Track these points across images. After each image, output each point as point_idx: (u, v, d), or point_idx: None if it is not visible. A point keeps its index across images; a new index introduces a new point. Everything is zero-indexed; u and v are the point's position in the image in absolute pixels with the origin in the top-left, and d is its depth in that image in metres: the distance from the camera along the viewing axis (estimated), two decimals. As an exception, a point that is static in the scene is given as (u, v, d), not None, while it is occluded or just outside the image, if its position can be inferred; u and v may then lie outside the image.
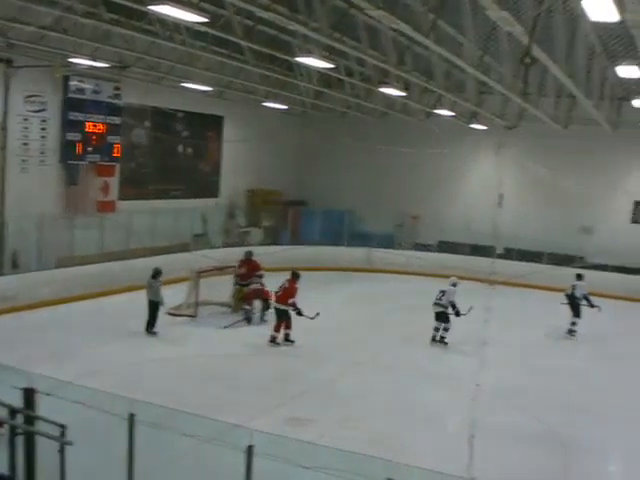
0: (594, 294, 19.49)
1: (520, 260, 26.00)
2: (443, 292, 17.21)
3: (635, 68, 13.83)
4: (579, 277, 19.48)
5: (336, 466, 6.09)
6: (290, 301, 16.27)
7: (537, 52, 13.35)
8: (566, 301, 18.90)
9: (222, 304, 18.90)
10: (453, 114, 24.78)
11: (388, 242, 28.21)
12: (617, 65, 14.45)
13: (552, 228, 26.62)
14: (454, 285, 17.33)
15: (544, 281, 24.30)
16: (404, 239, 29.04)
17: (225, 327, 17.24)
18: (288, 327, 16.34)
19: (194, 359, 14.58)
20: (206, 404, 11.08)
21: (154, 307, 16.56)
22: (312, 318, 16.12)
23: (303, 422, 11.15)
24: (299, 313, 16.28)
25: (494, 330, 16.38)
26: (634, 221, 27.31)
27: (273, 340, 16.20)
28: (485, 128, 26.81)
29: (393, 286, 24.72)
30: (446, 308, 17.06)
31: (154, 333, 16.43)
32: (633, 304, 23.41)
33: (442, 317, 17.15)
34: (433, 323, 17.20)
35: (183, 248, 23.08)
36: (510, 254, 26.47)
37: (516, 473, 9.73)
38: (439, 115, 25.31)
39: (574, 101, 21.61)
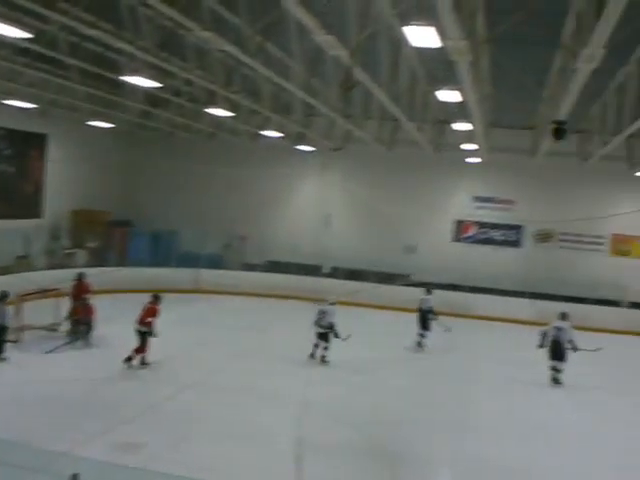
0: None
1: (347, 279, 26.46)
2: (323, 313, 17.32)
3: (455, 93, 14.40)
4: (428, 292, 20.44)
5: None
6: (147, 320, 15.82)
7: (361, 75, 13.67)
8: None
9: (46, 328, 18.07)
10: (281, 135, 24.96)
11: (216, 263, 28.00)
12: (438, 89, 14.98)
13: (377, 247, 27.40)
14: (333, 304, 17.62)
15: (370, 299, 24.95)
16: (232, 259, 28.93)
17: (48, 352, 16.46)
18: (142, 351, 15.83)
19: (17, 385, 13.78)
20: (31, 431, 10.50)
21: (2, 331, 15.69)
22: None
23: (132, 447, 10.76)
24: (152, 334, 15.85)
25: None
26: (455, 239, 28.53)
27: (129, 360, 15.61)
28: (312, 149, 27.19)
29: (222, 306, 24.56)
30: (328, 329, 17.21)
31: (3, 359, 15.52)
32: (457, 320, 24.30)
33: (324, 337, 17.33)
34: (314, 341, 17.35)
35: (5, 271, 21.94)
36: (337, 273, 26.95)
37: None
38: (267, 136, 25.44)
39: (398, 124, 22.23)
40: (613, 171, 25.56)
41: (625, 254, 27.98)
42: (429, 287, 21.02)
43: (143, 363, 15.92)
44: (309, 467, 8.56)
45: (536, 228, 28.09)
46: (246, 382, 15.22)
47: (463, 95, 14.35)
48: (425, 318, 20.00)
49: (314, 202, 28.28)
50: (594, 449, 12.67)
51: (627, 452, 12.57)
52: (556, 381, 17.00)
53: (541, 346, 17.25)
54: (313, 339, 17.42)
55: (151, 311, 16.05)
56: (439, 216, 27.99)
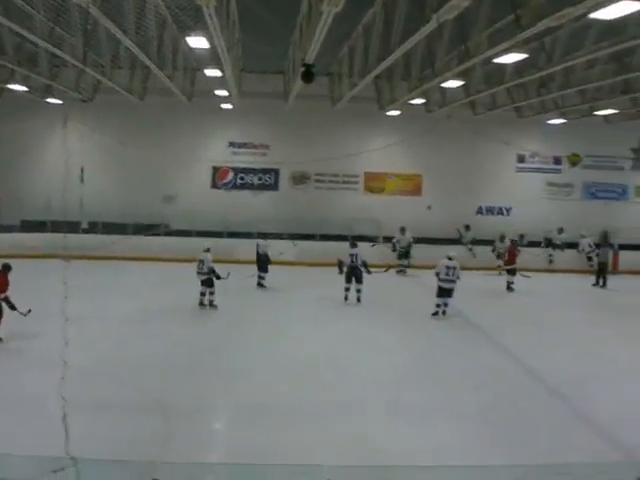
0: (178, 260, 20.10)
1: (106, 233, 25.88)
2: (202, 261, 18.33)
3: (203, 39, 14.34)
4: (265, 237, 22.58)
5: None
6: (2, 296, 14.54)
7: (107, 23, 13.25)
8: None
9: None
10: (27, 88, 23.68)
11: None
12: (187, 36, 14.85)
13: (136, 198, 26.92)
14: (208, 251, 18.62)
15: (131, 251, 24.65)
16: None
17: None
18: None
19: None
20: None
21: None
22: (24, 314, 14.57)
23: None
24: (12, 307, 14.60)
25: (89, 305, 16.33)
26: (214, 186, 28.64)
27: None
28: (61, 102, 26.05)
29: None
30: (209, 274, 18.29)
31: None
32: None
33: (208, 283, 18.42)
34: (199, 289, 18.46)
35: None
36: (95, 228, 26.29)
37: (118, 443, 9.59)
38: (12, 90, 24.04)
39: (149, 72, 21.81)
40: (364, 112, 26.65)
41: (378, 191, 29.44)
42: (266, 235, 22.95)
43: None
44: (78, 428, 8.38)
45: (292, 170, 28.81)
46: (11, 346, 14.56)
47: (212, 41, 14.32)
48: (262, 261, 21.94)
49: (67, 156, 27.28)
50: (364, 382, 13.30)
51: (397, 383, 13.31)
52: (358, 300, 19.79)
53: (340, 273, 19.98)
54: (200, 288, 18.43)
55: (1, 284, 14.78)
56: (197, 164, 27.87)
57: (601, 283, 24.86)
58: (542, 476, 5.86)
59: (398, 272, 25.68)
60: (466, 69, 17.97)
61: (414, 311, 19.27)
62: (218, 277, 18.49)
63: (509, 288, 23.14)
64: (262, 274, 21.99)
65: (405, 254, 25.92)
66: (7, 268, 15.36)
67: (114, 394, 11.82)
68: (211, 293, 18.59)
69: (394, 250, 25.84)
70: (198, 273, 18.54)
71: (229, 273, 18.64)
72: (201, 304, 18.66)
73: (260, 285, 21.93)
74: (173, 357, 14.12)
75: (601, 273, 25.03)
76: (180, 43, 19.87)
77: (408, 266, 25.87)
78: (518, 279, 23.22)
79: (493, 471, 5.85)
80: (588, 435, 11.04)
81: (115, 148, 26.67)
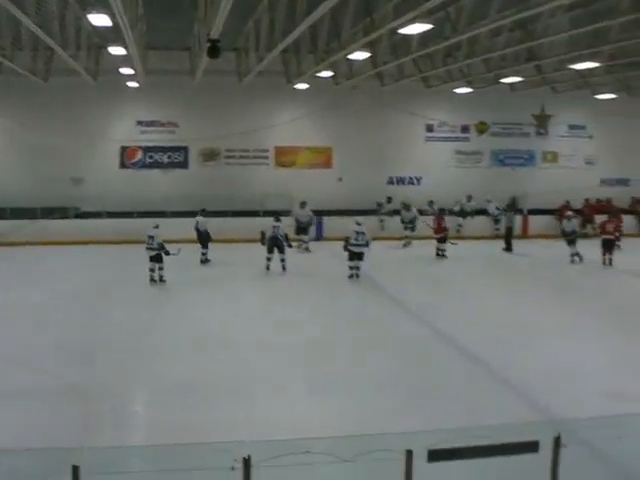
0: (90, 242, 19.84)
1: (14, 218, 25.19)
2: (151, 237, 19.01)
3: (105, 17, 14.04)
4: (203, 212, 22.92)
5: None
6: None
7: (6, 4, 12.85)
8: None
9: None
10: None
11: None
12: (89, 14, 14.52)
13: (43, 182, 26.25)
14: (157, 227, 19.29)
15: (41, 236, 24.15)
16: None
17: None
18: None
19: None
20: None
21: None
22: None
23: None
24: None
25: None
26: (122, 166, 28.15)
27: None
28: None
29: None
30: (159, 250, 18.97)
31: None
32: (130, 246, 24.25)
33: (157, 258, 19.09)
34: (148, 265, 19.11)
35: None
36: (3, 213, 25.63)
37: (36, 431, 9.44)
38: None
39: (52, 52, 21.26)
40: (272, 86, 26.52)
41: (289, 165, 29.44)
42: (205, 211, 23.16)
43: None
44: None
45: (201, 147, 28.54)
46: None
47: (114, 18, 14.02)
48: (203, 237, 22.53)
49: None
50: (282, 356, 13.38)
51: (315, 355, 13.42)
52: (283, 268, 20.84)
53: (263, 244, 21.02)
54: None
55: None
56: (104, 144, 27.33)
57: (507, 250, 25.51)
58: (459, 440, 6.00)
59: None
60: (372, 41, 18.04)
61: (331, 280, 19.55)
62: (167, 253, 19.05)
63: (442, 255, 23.91)
64: (204, 250, 22.41)
65: (304, 229, 25.94)
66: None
67: (31, 381, 11.62)
68: (160, 268, 19.19)
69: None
70: (147, 249, 19.11)
71: (179, 249, 19.39)
72: (152, 280, 19.16)
73: (204, 262, 22.39)
74: (89, 341, 13.94)
75: (508, 238, 25.63)
76: (83, 22, 19.38)
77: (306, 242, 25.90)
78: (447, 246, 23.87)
79: (411, 437, 5.97)
80: (504, 397, 11.36)
81: (20, 131, 25.98)
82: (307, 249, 25.43)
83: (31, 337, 14.16)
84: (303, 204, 25.90)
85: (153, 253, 19.14)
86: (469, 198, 29.09)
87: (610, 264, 22.50)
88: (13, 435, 8.72)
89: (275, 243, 20.83)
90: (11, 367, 12.11)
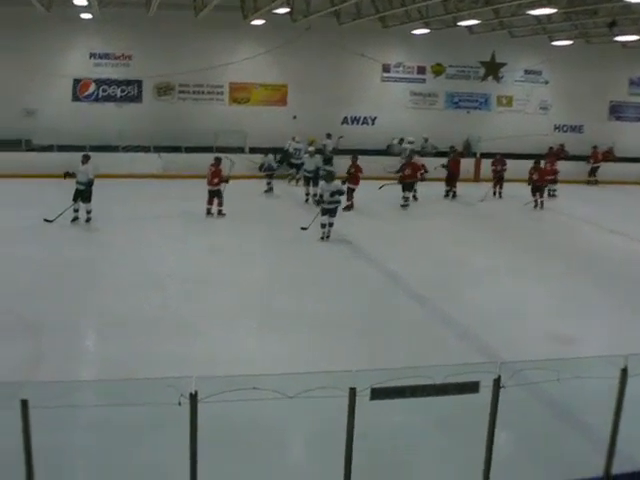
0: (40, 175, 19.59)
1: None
2: (80, 172, 18.22)
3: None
4: None
5: None
6: None
7: None
8: None
9: None
10: None
11: None
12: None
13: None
14: (86, 160, 18.47)
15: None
16: None
17: None
18: None
19: None
20: None
21: None
22: None
23: None
24: None
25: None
26: (75, 99, 27.66)
27: None
28: None
29: None
30: (88, 186, 18.23)
31: None
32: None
33: (80, 195, 18.25)
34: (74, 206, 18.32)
35: None
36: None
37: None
38: None
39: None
40: (228, 21, 26.15)
41: (243, 102, 29.21)
42: None
43: None
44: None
45: (155, 82, 28.14)
46: None
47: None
48: None
49: None
50: (232, 292, 13.50)
51: (264, 293, 13.58)
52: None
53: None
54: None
55: None
56: (57, 76, 26.75)
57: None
58: (402, 379, 6.17)
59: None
60: (330, -22, 17.88)
61: (281, 221, 19.62)
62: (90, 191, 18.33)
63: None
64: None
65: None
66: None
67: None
68: (88, 212, 18.51)
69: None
70: (78, 183, 18.32)
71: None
72: (75, 220, 18.48)
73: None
74: (36, 276, 13.87)
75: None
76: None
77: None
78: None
79: (354, 375, 6.12)
80: (449, 337, 11.65)
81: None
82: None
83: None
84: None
85: (81, 187, 18.34)
86: (426, 140, 29.27)
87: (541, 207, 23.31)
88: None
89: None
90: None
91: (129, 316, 11.79)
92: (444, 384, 6.35)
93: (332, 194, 17.70)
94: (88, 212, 18.56)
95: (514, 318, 12.58)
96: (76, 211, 18.45)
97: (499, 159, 25.88)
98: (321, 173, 21.86)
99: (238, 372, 6.99)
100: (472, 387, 6.39)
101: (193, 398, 5.77)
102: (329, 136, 28.62)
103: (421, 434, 8.47)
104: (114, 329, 11.36)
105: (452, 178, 25.24)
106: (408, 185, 22.76)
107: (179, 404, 5.73)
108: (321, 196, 18.24)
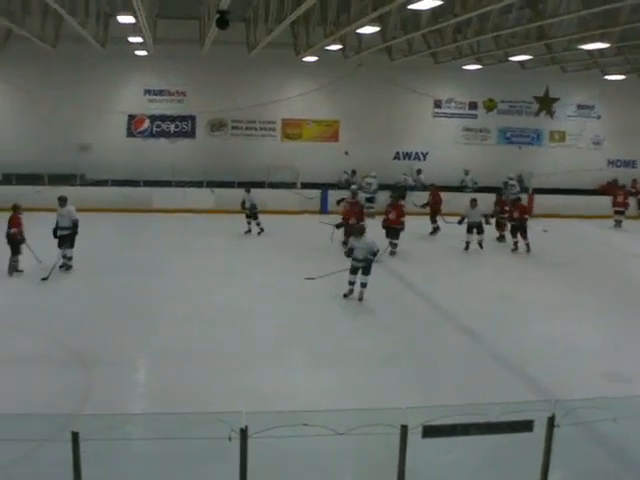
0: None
1: (20, 184, 25.06)
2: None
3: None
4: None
5: None
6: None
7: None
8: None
9: None
10: None
11: None
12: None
13: (50, 148, 26.19)
14: (63, 204, 17.15)
15: (48, 202, 24.13)
16: None
17: None
18: None
19: None
20: None
21: None
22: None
23: None
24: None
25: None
26: (130, 135, 28.14)
27: None
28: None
29: None
30: (73, 228, 16.93)
31: None
32: (138, 215, 24.33)
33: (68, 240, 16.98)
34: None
35: None
36: (9, 179, 25.64)
37: (31, 397, 9.49)
38: None
39: (61, 19, 21.18)
40: (281, 58, 26.39)
41: (295, 138, 29.41)
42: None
43: None
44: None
45: (208, 118, 28.51)
46: None
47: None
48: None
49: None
50: (281, 330, 13.50)
51: (311, 329, 13.58)
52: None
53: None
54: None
55: None
56: (112, 112, 27.29)
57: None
58: (452, 417, 6.09)
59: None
60: (382, 15, 17.94)
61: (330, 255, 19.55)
62: (75, 234, 17.04)
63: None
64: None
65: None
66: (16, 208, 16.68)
67: (32, 348, 11.74)
68: (67, 257, 17.03)
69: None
70: (59, 229, 16.98)
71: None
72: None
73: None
74: (91, 309, 14.04)
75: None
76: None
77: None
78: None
79: (403, 412, 6.05)
80: (500, 374, 11.47)
81: (27, 99, 25.93)
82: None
83: (33, 303, 14.28)
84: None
85: (65, 233, 16.93)
86: (466, 172, 29.27)
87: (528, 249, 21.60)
88: (16, 400, 8.82)
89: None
90: (13, 332, 12.23)
91: (180, 350, 11.84)
92: (497, 422, 6.25)
93: (362, 259, 15.27)
94: (69, 258, 17.11)
95: (567, 355, 12.34)
96: (65, 257, 17.05)
97: None
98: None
99: (287, 407, 6.94)
100: (526, 426, 6.27)
101: (243, 433, 5.75)
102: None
103: (473, 472, 8.29)
104: (165, 363, 11.42)
105: (435, 213, 24.16)
106: (392, 231, 20.14)
107: (229, 439, 5.72)
108: (351, 250, 15.72)
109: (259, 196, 22.85)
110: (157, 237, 20.99)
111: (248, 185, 23.07)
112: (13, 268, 16.39)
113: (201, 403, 9.01)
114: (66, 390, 9.91)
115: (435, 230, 23.98)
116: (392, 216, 20.19)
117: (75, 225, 16.97)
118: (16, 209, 16.69)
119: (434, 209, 24.14)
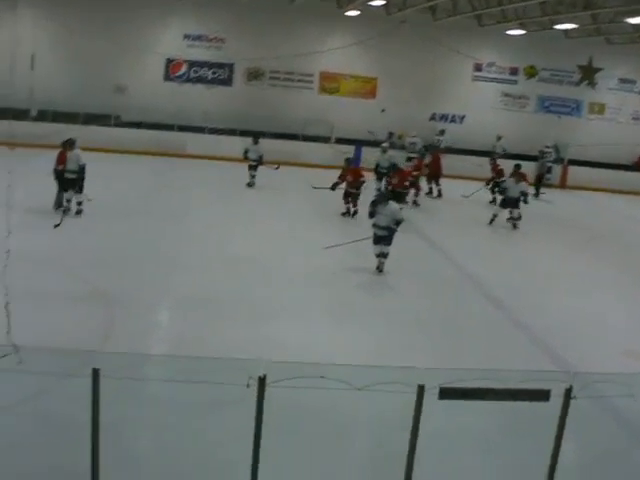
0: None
1: (55, 122, 25.08)
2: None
3: None
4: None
5: None
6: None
7: None
8: None
9: None
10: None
11: None
12: None
13: (87, 88, 26.19)
14: (71, 145, 16.48)
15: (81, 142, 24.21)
16: None
17: None
18: None
19: None
20: None
21: None
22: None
23: None
24: None
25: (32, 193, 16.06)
26: (167, 79, 28.09)
27: None
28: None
29: None
30: (80, 173, 16.35)
31: None
32: (171, 159, 24.39)
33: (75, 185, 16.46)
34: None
35: None
36: (45, 116, 25.67)
37: (54, 332, 9.59)
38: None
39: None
40: (322, 10, 26.21)
41: (332, 92, 29.20)
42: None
43: None
44: (20, 316, 8.41)
45: (246, 66, 28.35)
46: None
47: None
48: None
49: (16, 43, 26.30)
50: (305, 280, 13.52)
51: (341, 284, 13.57)
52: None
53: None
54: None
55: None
56: (149, 55, 27.10)
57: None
58: (470, 380, 6.08)
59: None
60: (428, -28, 17.71)
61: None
62: (83, 179, 16.50)
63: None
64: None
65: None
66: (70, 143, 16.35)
67: (56, 284, 11.85)
68: (78, 203, 16.69)
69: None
70: (67, 172, 16.38)
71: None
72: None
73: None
74: (113, 250, 14.10)
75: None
76: None
77: None
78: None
79: (423, 373, 6.06)
80: (523, 343, 11.44)
81: (66, 36, 25.85)
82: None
83: (65, 242, 14.37)
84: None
85: (72, 177, 16.39)
86: (498, 138, 28.49)
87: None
88: (40, 334, 8.92)
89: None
90: (44, 269, 12.35)
91: (201, 295, 11.91)
92: (515, 389, 6.23)
93: (384, 226, 14.28)
94: (79, 203, 16.69)
95: (591, 328, 12.28)
96: (68, 201, 16.53)
97: None
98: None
99: (307, 360, 6.96)
100: (543, 395, 6.25)
101: (261, 381, 5.78)
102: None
103: (487, 436, 8.31)
104: (186, 306, 11.51)
105: (433, 176, 23.51)
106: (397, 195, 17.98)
107: (247, 386, 5.75)
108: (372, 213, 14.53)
109: (264, 148, 22.29)
110: (189, 183, 20.99)
111: (258, 135, 22.67)
112: (59, 204, 16.47)
113: (221, 349, 9.03)
114: (89, 327, 10.03)
115: (439, 193, 23.62)
116: (395, 180, 19.48)
117: (82, 169, 16.41)
118: (66, 145, 16.43)
119: (433, 173, 23.38)
